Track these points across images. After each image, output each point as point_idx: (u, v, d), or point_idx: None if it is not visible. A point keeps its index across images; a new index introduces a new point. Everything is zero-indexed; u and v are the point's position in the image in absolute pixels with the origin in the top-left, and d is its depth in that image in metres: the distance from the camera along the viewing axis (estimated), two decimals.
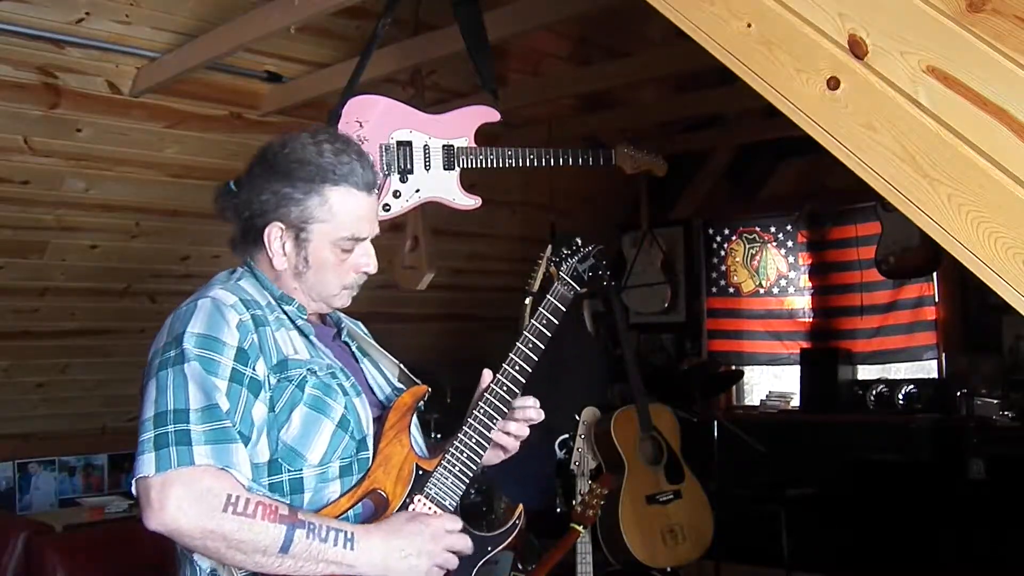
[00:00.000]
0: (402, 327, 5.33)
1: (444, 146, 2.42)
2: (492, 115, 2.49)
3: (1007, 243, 1.27)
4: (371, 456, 1.55)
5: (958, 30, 1.29)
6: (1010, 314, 2.40)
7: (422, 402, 1.67)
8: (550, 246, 3.67)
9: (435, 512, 1.57)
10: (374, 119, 2.30)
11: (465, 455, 1.63)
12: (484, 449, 1.66)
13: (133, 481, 1.37)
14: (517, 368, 1.71)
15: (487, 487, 3.96)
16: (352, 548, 1.42)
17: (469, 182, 2.47)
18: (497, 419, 1.67)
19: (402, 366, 1.78)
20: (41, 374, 4.36)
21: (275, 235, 1.59)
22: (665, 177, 3.04)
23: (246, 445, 1.42)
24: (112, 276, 4.25)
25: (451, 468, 1.61)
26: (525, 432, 1.75)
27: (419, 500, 1.57)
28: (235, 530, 1.34)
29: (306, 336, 1.59)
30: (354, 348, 1.74)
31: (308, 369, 1.52)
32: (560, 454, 4.01)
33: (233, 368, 1.43)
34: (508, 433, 1.73)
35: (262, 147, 1.65)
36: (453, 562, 1.55)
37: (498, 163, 2.50)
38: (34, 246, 3.95)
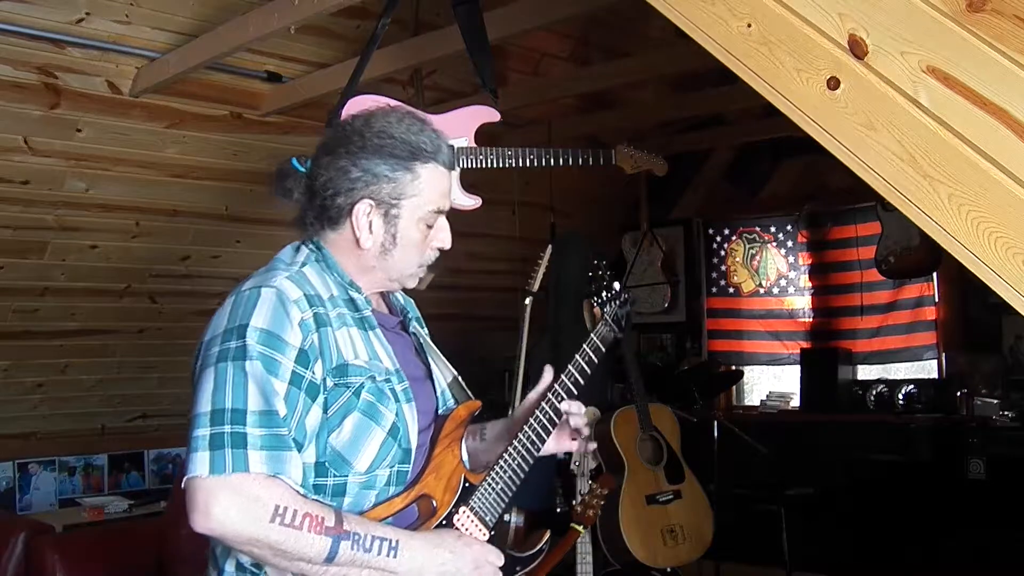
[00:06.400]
0: None
1: None
2: (492, 115, 2.49)
3: (1007, 243, 1.26)
4: (411, 468, 1.54)
5: (958, 30, 1.29)
6: (1010, 314, 2.40)
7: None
8: (550, 246, 3.68)
9: (477, 525, 1.58)
10: None
11: (508, 475, 1.65)
12: (524, 472, 1.67)
13: (185, 479, 1.36)
14: (559, 398, 1.76)
15: None
16: (395, 556, 1.43)
17: (469, 182, 2.47)
18: (539, 444, 1.70)
19: (458, 376, 1.77)
20: (41, 374, 4.35)
21: (364, 211, 1.55)
22: (665, 177, 3.04)
23: (299, 451, 1.41)
24: (112, 276, 4.24)
25: (494, 485, 1.63)
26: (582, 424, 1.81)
27: (464, 512, 1.58)
28: (280, 541, 1.34)
29: (366, 331, 1.56)
30: (422, 340, 1.73)
31: (369, 376, 1.50)
32: (560, 454, 4.00)
33: (293, 371, 1.41)
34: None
35: (337, 125, 1.61)
36: None
37: (498, 163, 2.50)
38: (34, 246, 3.94)
